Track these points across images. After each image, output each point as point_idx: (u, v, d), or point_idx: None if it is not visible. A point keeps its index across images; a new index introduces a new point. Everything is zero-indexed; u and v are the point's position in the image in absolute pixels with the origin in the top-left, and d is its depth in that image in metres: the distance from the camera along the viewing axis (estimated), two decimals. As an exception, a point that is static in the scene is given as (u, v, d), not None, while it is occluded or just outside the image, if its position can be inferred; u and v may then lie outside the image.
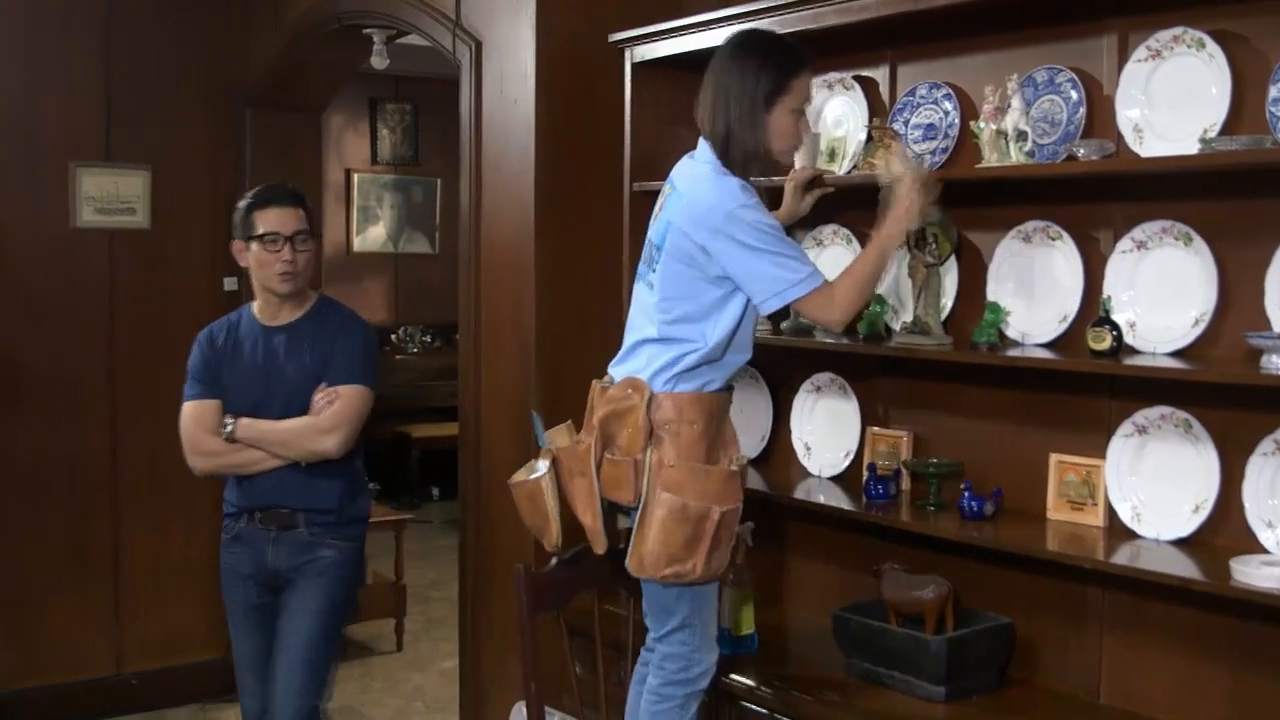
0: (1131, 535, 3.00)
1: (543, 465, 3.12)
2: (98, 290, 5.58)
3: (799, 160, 3.55)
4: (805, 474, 3.79)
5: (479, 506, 4.59)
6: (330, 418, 3.62)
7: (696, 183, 3.02)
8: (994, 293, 3.29)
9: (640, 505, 2.94)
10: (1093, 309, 3.04)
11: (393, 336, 10.37)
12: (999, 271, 3.30)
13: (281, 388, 3.67)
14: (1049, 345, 3.17)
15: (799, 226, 3.67)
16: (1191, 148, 2.79)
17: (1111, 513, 3.06)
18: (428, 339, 10.49)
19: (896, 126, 3.46)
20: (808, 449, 3.82)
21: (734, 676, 3.32)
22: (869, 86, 3.64)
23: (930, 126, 3.42)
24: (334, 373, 3.68)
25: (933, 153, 3.40)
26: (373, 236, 10.48)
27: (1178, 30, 2.89)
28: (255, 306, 3.78)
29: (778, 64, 2.99)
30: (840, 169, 3.61)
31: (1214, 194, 2.89)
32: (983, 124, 3.13)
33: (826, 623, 3.40)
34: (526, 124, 4.26)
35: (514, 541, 4.32)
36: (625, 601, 3.39)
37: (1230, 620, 2.84)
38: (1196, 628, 2.93)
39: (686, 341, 2.96)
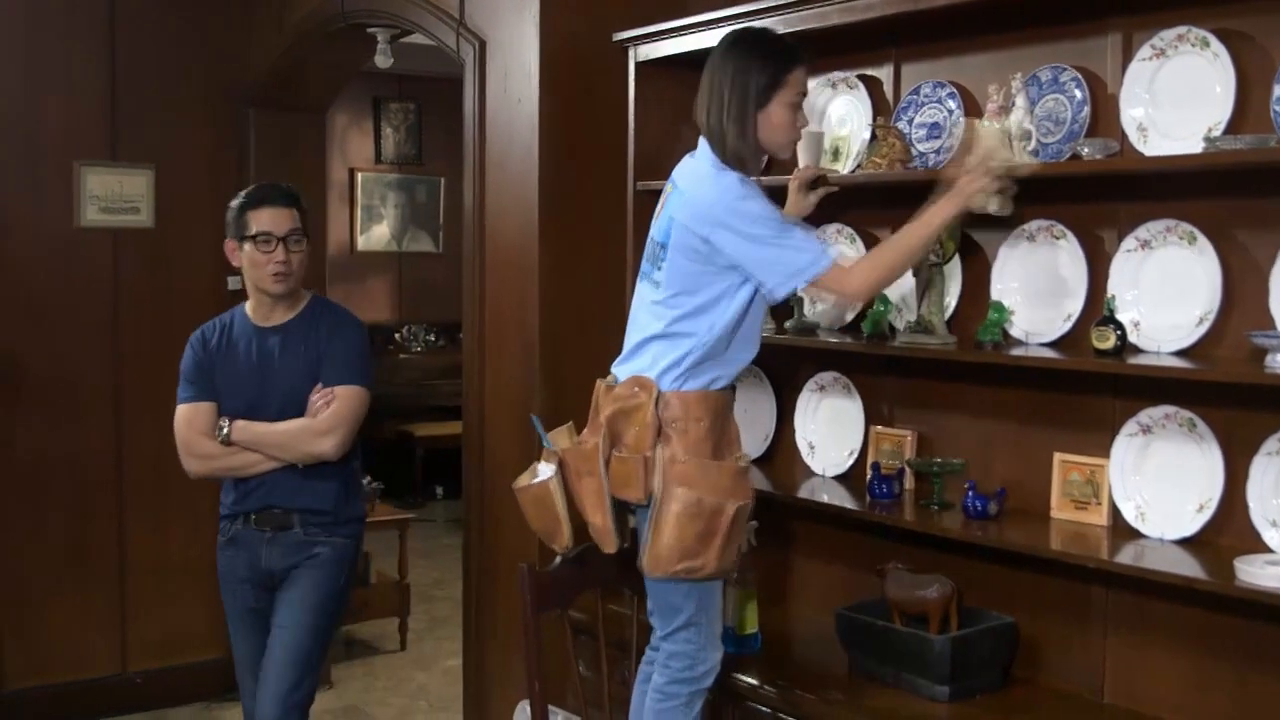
0: (1136, 535, 3.00)
1: (549, 468, 3.12)
2: (102, 290, 5.59)
3: (802, 159, 3.55)
4: (809, 473, 3.79)
5: (483, 505, 4.59)
6: (327, 419, 3.59)
7: (697, 180, 3.04)
8: (998, 292, 3.29)
9: (652, 503, 2.95)
10: (1097, 308, 3.03)
11: (396, 335, 10.38)
12: (1003, 271, 3.29)
13: (277, 389, 3.63)
14: (1053, 344, 3.17)
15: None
16: (1196, 147, 2.79)
17: (1115, 512, 3.06)
18: (431, 338, 10.49)
19: (900, 125, 3.46)
20: (811, 448, 3.82)
21: (738, 675, 3.32)
22: (873, 85, 3.64)
23: (934, 125, 3.42)
24: (329, 373, 3.64)
25: (936, 152, 3.40)
26: (377, 235, 10.49)
27: (1182, 29, 2.89)
28: (248, 307, 3.75)
29: (772, 59, 3.00)
30: (844, 168, 3.61)
31: (1218, 193, 2.89)
32: (987, 123, 3.12)
33: (830, 622, 3.40)
34: (530, 123, 4.26)
35: (518, 540, 4.32)
36: (629, 600, 3.39)
37: (1234, 620, 2.84)
38: (1200, 627, 2.93)
39: (691, 336, 2.97)
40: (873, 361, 3.63)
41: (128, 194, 5.62)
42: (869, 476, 3.49)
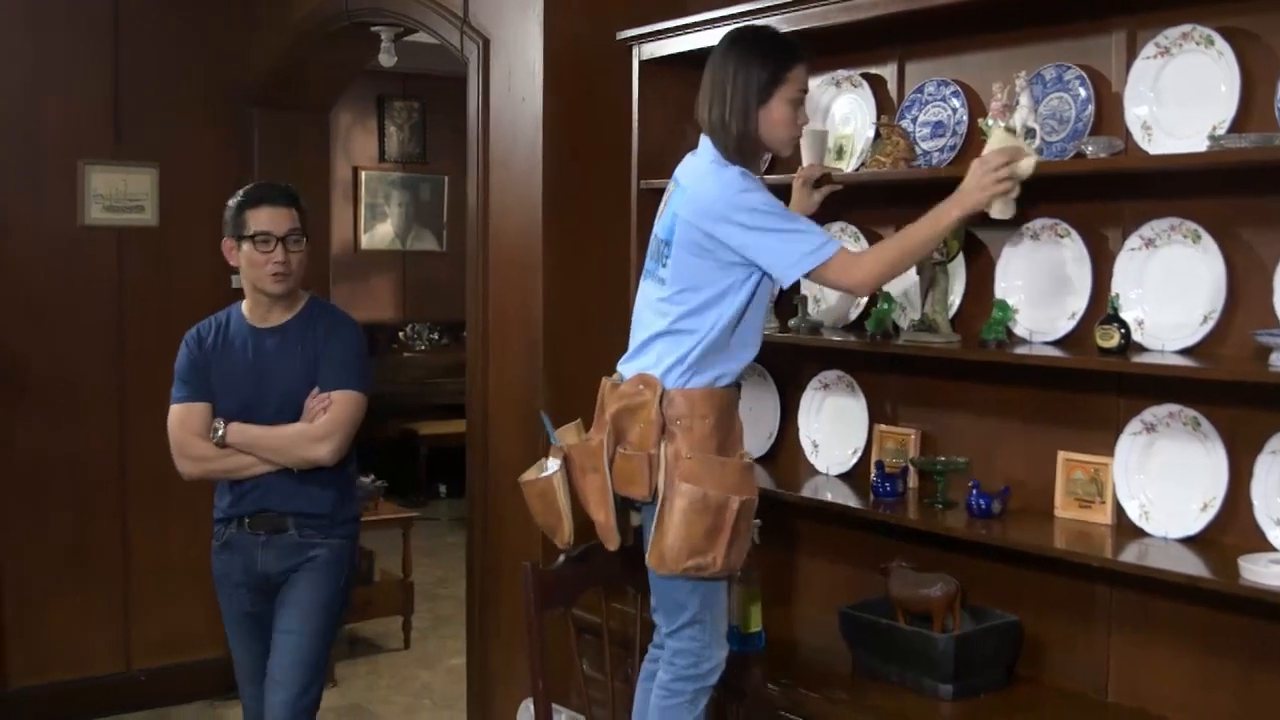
0: (1140, 533, 2.99)
1: (554, 463, 3.14)
2: (106, 288, 5.60)
3: (806, 158, 3.55)
4: (813, 472, 3.79)
5: (486, 504, 4.59)
6: (324, 425, 3.55)
7: (699, 176, 3.05)
8: (1002, 290, 3.28)
9: (658, 500, 2.95)
10: (1101, 307, 3.03)
11: (400, 334, 10.39)
12: (1007, 269, 3.29)
13: (274, 390, 3.59)
14: (1057, 343, 3.17)
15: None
16: (1200, 145, 2.78)
17: (1120, 511, 3.06)
18: (435, 336, 10.50)
19: (904, 124, 3.46)
20: (815, 447, 3.81)
21: (741, 674, 3.31)
22: (877, 84, 3.64)
23: (938, 124, 3.42)
24: (326, 377, 3.60)
25: (940, 150, 3.40)
26: (380, 234, 10.50)
27: (1186, 27, 2.89)
28: (245, 307, 3.70)
29: (773, 56, 3.01)
30: (848, 166, 3.61)
31: (1223, 191, 2.89)
32: (991, 121, 3.12)
33: (834, 620, 3.40)
34: (534, 121, 4.26)
35: (521, 539, 4.32)
36: (632, 599, 3.39)
37: (1239, 618, 2.84)
38: (1205, 626, 2.93)
39: (695, 332, 2.98)
40: (877, 360, 3.63)
41: (132, 192, 5.62)
42: (873, 475, 3.49)
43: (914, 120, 3.47)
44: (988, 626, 3.22)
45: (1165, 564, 2.79)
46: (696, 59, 3.26)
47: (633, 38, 3.96)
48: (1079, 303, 3.13)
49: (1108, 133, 3.05)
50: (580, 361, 4.10)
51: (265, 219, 3.57)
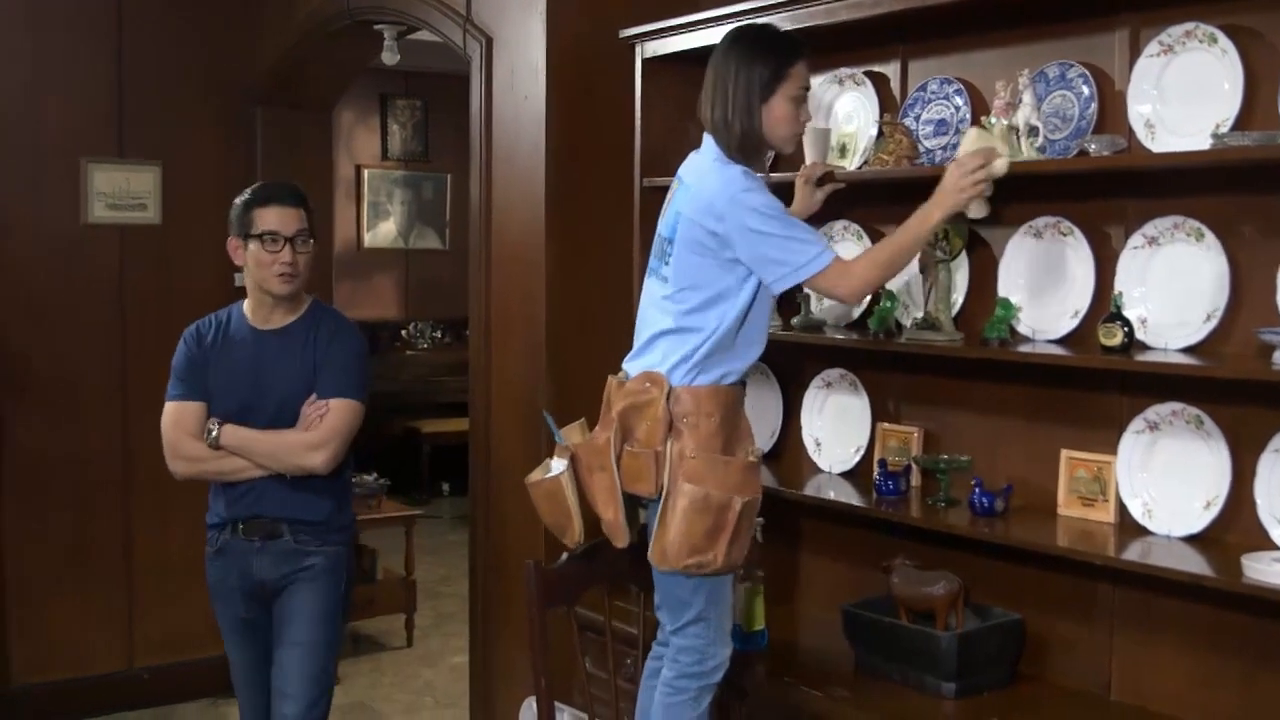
0: (1142, 531, 2.99)
1: (560, 463, 3.14)
2: (108, 287, 5.60)
3: (809, 156, 3.55)
4: (815, 470, 3.79)
5: (489, 502, 4.59)
6: (320, 434, 3.49)
7: (702, 174, 3.06)
8: (1005, 288, 3.28)
9: (661, 497, 2.96)
10: (1104, 305, 3.03)
11: (403, 332, 10.39)
12: (1010, 267, 3.29)
13: (272, 394, 3.53)
14: (1060, 341, 3.16)
15: (810, 222, 3.63)
16: (1203, 143, 2.78)
17: (1122, 509, 3.06)
18: (438, 334, 10.50)
19: (907, 122, 3.46)
20: (818, 445, 3.81)
21: (745, 672, 3.31)
22: (880, 82, 3.63)
23: (941, 122, 3.42)
24: (325, 384, 3.54)
25: (944, 148, 3.39)
26: (383, 232, 10.50)
27: (1190, 25, 2.89)
28: (246, 307, 3.65)
29: (775, 53, 3.02)
30: (851, 164, 3.61)
31: (1226, 189, 2.88)
32: (994, 119, 3.12)
33: (836, 619, 3.40)
34: (537, 119, 4.26)
35: (524, 537, 4.32)
36: (636, 597, 3.39)
37: (1242, 617, 2.83)
38: (1208, 624, 2.92)
39: (700, 330, 2.99)
40: (879, 358, 3.63)
41: (135, 190, 5.63)
42: (875, 473, 3.49)
43: (917, 118, 3.47)
44: (990, 625, 3.22)
45: (1168, 562, 2.79)
46: (699, 57, 3.26)
47: (635, 36, 3.96)
48: (1082, 301, 3.13)
49: (1111, 131, 3.05)
50: (582, 359, 4.10)
51: (274, 218, 3.52)
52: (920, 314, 3.40)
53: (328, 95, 6.25)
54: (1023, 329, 3.24)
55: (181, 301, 5.55)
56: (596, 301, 4.25)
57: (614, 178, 4.10)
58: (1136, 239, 3.02)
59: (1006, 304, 3.22)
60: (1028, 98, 3.06)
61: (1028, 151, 3.07)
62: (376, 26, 5.48)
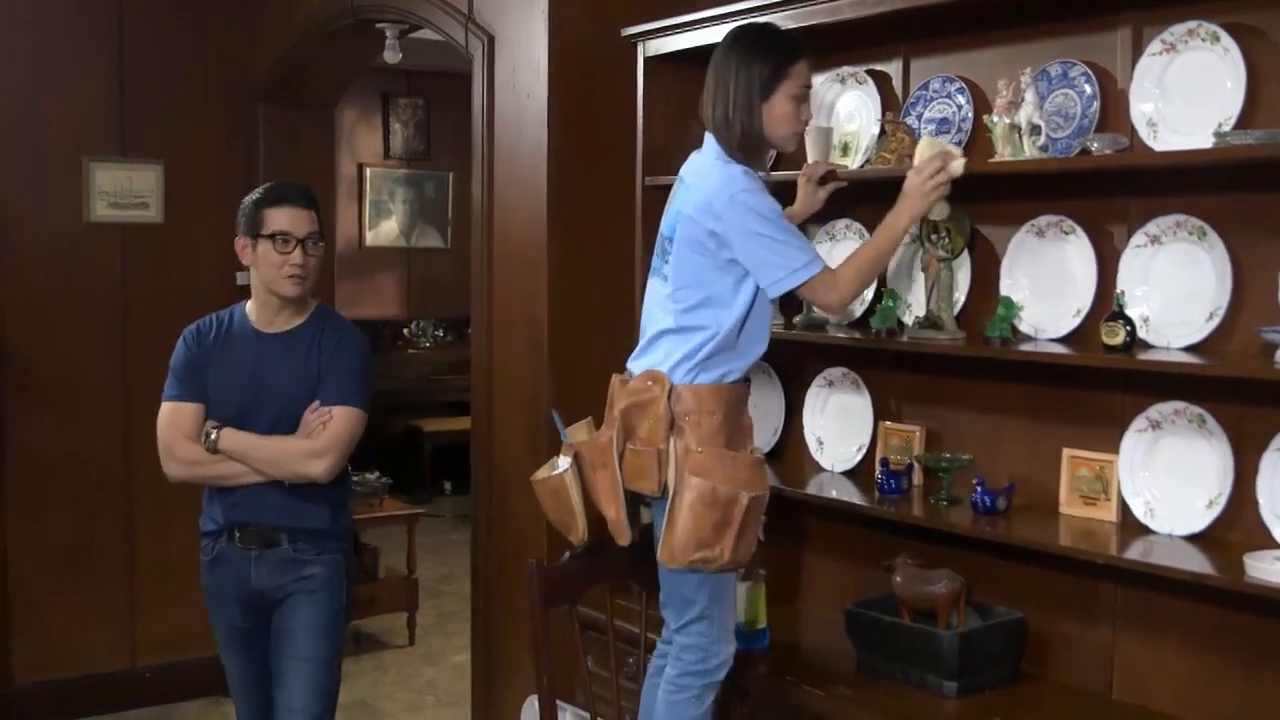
0: (1145, 530, 2.99)
1: (564, 461, 3.15)
2: (110, 285, 5.61)
3: (811, 154, 3.55)
4: (818, 469, 3.79)
5: (491, 500, 4.59)
6: (324, 442, 3.42)
7: (702, 173, 3.08)
8: (1007, 287, 3.28)
9: (668, 494, 2.97)
10: (1106, 304, 3.03)
11: (405, 331, 10.40)
12: (1012, 266, 3.29)
13: (273, 397, 3.46)
14: (1062, 340, 3.16)
15: (813, 221, 3.66)
16: (1206, 142, 2.78)
17: (1125, 508, 3.05)
18: (440, 333, 10.51)
19: (910, 121, 3.46)
20: (820, 444, 3.81)
21: (746, 671, 3.31)
22: (882, 80, 3.63)
23: (943, 120, 3.42)
24: (330, 391, 3.47)
25: (946, 147, 3.39)
26: (385, 231, 10.50)
27: (1192, 24, 2.88)
28: (249, 308, 3.57)
29: (775, 52, 3.04)
30: (853, 163, 3.61)
31: (1228, 188, 2.88)
32: (996, 118, 3.12)
33: (839, 617, 3.40)
34: (539, 118, 4.26)
35: (526, 536, 4.32)
36: (638, 596, 3.39)
37: (1244, 616, 2.83)
38: (1210, 623, 2.92)
39: (703, 329, 3.00)
40: (881, 357, 3.62)
41: (137, 189, 5.63)
42: (877, 472, 3.48)
43: (919, 117, 3.47)
44: (992, 624, 3.22)
45: (1170, 561, 2.79)
46: (701, 55, 3.26)
47: (637, 34, 3.96)
48: (1084, 300, 3.12)
49: (1113, 129, 3.05)
50: (585, 358, 4.10)
51: (285, 219, 3.45)
52: (922, 313, 3.39)
53: (329, 94, 6.25)
54: (1025, 328, 3.24)
55: (183, 301, 5.56)
56: (598, 300, 4.25)
57: (616, 176, 4.10)
58: (1139, 238, 3.02)
59: (1009, 303, 3.22)
60: (1030, 96, 3.06)
61: (1030, 150, 3.07)
62: (378, 25, 5.48)
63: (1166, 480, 2.99)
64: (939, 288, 3.35)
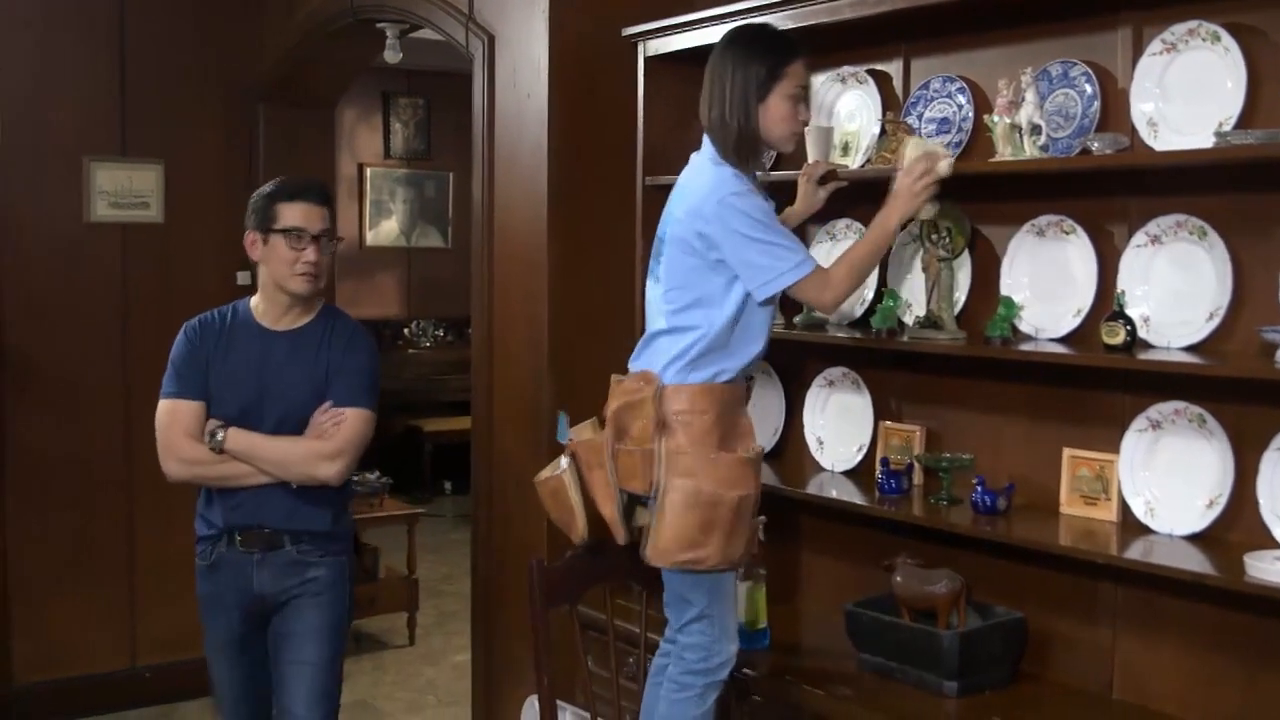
0: (1145, 530, 2.99)
1: (565, 461, 3.16)
2: (111, 285, 5.61)
3: (812, 154, 3.55)
4: (818, 468, 3.79)
5: (491, 500, 4.59)
6: (336, 444, 3.35)
7: (694, 175, 3.09)
8: (1007, 287, 3.28)
9: (656, 494, 2.96)
10: (1107, 303, 3.03)
11: (405, 331, 10.40)
12: (1012, 266, 3.29)
13: (279, 398, 3.37)
14: (1062, 340, 3.16)
15: (813, 221, 3.66)
16: (1206, 141, 2.78)
17: (1125, 508, 3.05)
18: (440, 333, 10.51)
19: (910, 120, 3.45)
20: (820, 443, 3.81)
21: (746, 670, 3.31)
22: (882, 80, 3.63)
23: (944, 120, 3.42)
24: (341, 392, 3.39)
25: (946, 146, 3.39)
26: (385, 231, 10.50)
27: (1193, 24, 2.88)
28: (255, 306, 3.47)
29: (770, 52, 3.04)
30: (854, 163, 3.61)
31: (1229, 188, 2.88)
32: (996, 118, 3.12)
33: (839, 617, 3.40)
34: (539, 118, 4.26)
35: (526, 535, 4.32)
36: (638, 596, 3.39)
37: (1244, 616, 2.83)
38: (1210, 623, 2.92)
39: (693, 329, 3.00)
40: (881, 357, 3.62)
41: (137, 189, 5.63)
42: (878, 472, 3.48)
43: (920, 117, 3.47)
44: (992, 623, 3.22)
45: (1170, 561, 2.79)
46: (702, 55, 3.26)
47: (638, 34, 3.96)
48: (1084, 299, 3.12)
49: (1113, 129, 3.05)
50: (584, 358, 4.11)
51: (299, 215, 3.36)
52: (923, 313, 3.39)
53: (330, 93, 6.25)
54: (1025, 328, 3.24)
55: (183, 300, 5.53)
56: (598, 300, 4.25)
57: (616, 176, 4.10)
58: (1139, 237, 3.02)
59: (1009, 303, 3.22)
60: (1030, 96, 3.06)
61: (1030, 150, 3.07)
62: (379, 25, 5.49)
63: (1167, 480, 2.99)
64: (939, 287, 3.35)
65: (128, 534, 5.66)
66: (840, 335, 3.59)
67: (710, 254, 2.98)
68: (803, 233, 3.70)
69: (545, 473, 3.20)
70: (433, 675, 6.20)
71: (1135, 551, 2.88)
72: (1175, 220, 2.95)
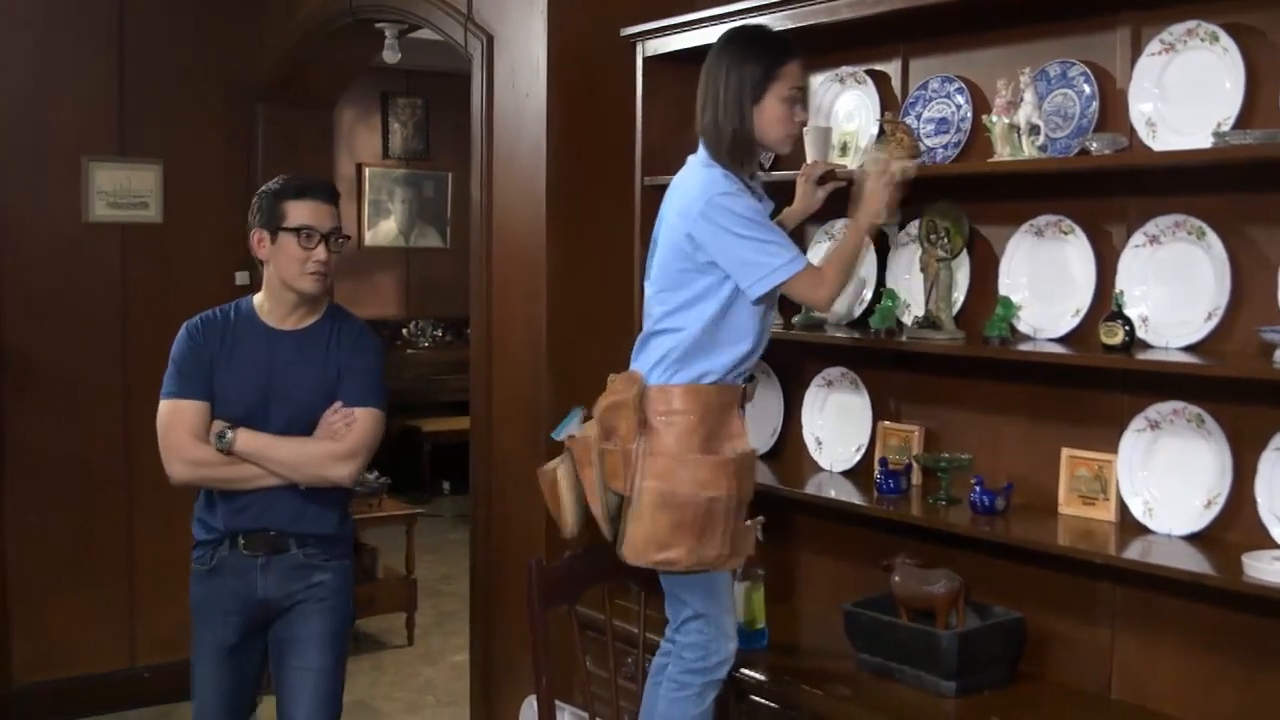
0: (1143, 530, 2.99)
1: (565, 455, 3.17)
2: (110, 285, 5.61)
3: (810, 154, 3.55)
4: (816, 468, 3.79)
5: (490, 500, 4.59)
6: (350, 444, 3.29)
7: (686, 177, 3.11)
8: (1006, 287, 3.28)
9: (633, 494, 2.99)
10: (1105, 303, 3.03)
11: (404, 331, 10.40)
12: (1011, 266, 3.29)
13: (287, 399, 3.31)
14: (1061, 340, 3.16)
15: (812, 221, 3.66)
16: (1205, 142, 2.78)
17: (1123, 508, 3.05)
18: (439, 333, 10.50)
19: (909, 120, 3.45)
20: (819, 443, 3.81)
21: (745, 671, 3.31)
22: (881, 80, 3.63)
23: (942, 120, 3.42)
24: (351, 392, 3.34)
25: (945, 146, 3.39)
26: (384, 231, 10.50)
27: (1191, 24, 2.88)
28: (259, 304, 3.40)
29: (764, 54, 3.04)
30: (852, 163, 3.60)
31: (1227, 188, 2.88)
32: (995, 118, 3.12)
33: (837, 617, 3.40)
34: (538, 118, 4.26)
35: (525, 535, 4.32)
36: (636, 596, 3.39)
37: (1242, 616, 2.83)
38: (1208, 623, 2.92)
39: (680, 331, 3.02)
40: (880, 357, 3.62)
41: (136, 189, 5.63)
42: (876, 472, 3.48)
43: (918, 117, 3.47)
44: (991, 623, 3.22)
45: (1169, 561, 2.79)
46: (700, 55, 3.26)
47: (637, 34, 3.96)
48: (1083, 299, 3.12)
49: (1112, 129, 3.05)
50: (583, 358, 4.11)
51: (308, 213, 3.31)
52: (921, 313, 3.39)
53: (329, 93, 6.25)
54: (1024, 328, 3.24)
55: (182, 300, 5.52)
56: (597, 300, 4.25)
57: (615, 176, 4.10)
58: (1138, 237, 3.02)
59: (1007, 303, 3.22)
60: (1029, 96, 3.06)
61: (1029, 150, 3.07)
62: (377, 25, 5.48)
63: (1165, 480, 2.99)
64: (938, 287, 3.35)
65: (127, 534, 5.66)
66: (839, 335, 3.59)
67: (699, 256, 2.98)
68: (801, 233, 3.71)
69: (549, 464, 3.22)
70: (431, 675, 6.19)
71: (1134, 551, 2.88)
72: (1174, 220, 2.95)
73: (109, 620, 5.65)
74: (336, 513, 3.42)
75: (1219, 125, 2.81)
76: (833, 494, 3.55)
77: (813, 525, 3.86)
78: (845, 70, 3.70)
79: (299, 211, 3.31)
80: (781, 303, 3.64)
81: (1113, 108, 3.07)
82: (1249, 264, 2.84)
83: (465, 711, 4.92)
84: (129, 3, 5.56)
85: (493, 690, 4.63)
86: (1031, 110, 3.06)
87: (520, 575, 3.35)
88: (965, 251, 3.38)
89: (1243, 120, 2.80)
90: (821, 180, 3.45)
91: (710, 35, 3.59)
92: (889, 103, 3.60)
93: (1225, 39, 2.82)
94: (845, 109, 3.72)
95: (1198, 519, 2.90)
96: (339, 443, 3.31)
